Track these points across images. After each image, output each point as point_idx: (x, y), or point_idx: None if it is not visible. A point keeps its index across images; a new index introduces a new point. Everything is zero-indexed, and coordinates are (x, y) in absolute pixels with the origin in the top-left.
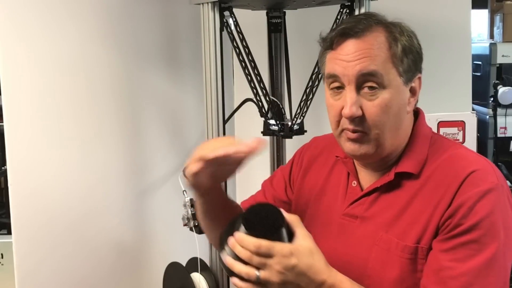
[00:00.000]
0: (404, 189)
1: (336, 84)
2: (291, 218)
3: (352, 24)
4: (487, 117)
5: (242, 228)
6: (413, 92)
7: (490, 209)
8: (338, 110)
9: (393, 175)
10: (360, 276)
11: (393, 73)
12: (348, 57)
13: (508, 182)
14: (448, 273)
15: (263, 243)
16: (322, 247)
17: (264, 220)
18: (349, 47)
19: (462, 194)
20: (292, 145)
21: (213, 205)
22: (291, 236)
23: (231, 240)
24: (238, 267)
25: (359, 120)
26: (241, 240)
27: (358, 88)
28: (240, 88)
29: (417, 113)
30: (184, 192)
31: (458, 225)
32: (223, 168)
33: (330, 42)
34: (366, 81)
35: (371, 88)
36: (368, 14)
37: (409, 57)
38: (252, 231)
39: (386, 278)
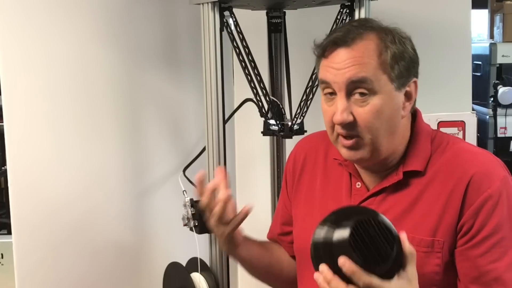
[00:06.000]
0: (412, 186)
1: (328, 90)
2: (409, 250)
3: (343, 33)
4: (487, 117)
5: (349, 247)
6: (408, 96)
7: (507, 204)
8: (331, 116)
9: (401, 174)
10: None
11: (384, 79)
12: (339, 65)
13: None
14: (490, 276)
15: (375, 282)
16: None
17: (373, 243)
18: (340, 55)
19: (478, 193)
20: (292, 145)
21: (254, 256)
22: (399, 267)
23: (340, 260)
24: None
25: (351, 126)
26: (349, 268)
27: (349, 94)
28: (240, 88)
29: (414, 112)
30: (184, 192)
31: (483, 226)
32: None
33: (322, 50)
34: (356, 87)
35: (361, 94)
36: (362, 21)
37: (400, 63)
38: (358, 253)
39: None
